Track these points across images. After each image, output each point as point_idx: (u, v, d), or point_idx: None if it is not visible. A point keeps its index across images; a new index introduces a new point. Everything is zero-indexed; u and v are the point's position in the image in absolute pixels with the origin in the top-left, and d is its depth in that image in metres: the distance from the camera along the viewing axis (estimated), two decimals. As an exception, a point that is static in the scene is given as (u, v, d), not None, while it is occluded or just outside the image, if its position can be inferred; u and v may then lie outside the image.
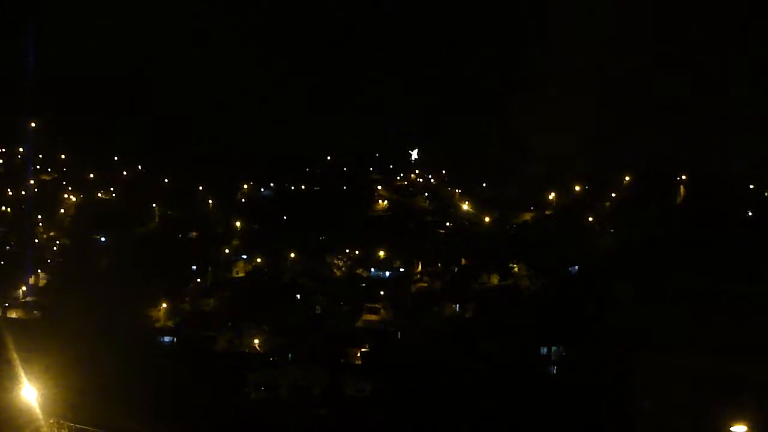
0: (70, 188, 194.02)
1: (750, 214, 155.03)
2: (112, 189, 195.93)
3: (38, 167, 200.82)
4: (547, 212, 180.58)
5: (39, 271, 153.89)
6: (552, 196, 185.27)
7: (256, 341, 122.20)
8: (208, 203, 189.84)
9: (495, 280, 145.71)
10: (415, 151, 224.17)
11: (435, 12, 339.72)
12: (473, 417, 72.75)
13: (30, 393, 45.69)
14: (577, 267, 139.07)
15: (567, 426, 67.86)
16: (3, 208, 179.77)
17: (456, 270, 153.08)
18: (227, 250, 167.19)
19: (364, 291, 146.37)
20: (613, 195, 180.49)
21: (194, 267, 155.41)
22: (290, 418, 79.85)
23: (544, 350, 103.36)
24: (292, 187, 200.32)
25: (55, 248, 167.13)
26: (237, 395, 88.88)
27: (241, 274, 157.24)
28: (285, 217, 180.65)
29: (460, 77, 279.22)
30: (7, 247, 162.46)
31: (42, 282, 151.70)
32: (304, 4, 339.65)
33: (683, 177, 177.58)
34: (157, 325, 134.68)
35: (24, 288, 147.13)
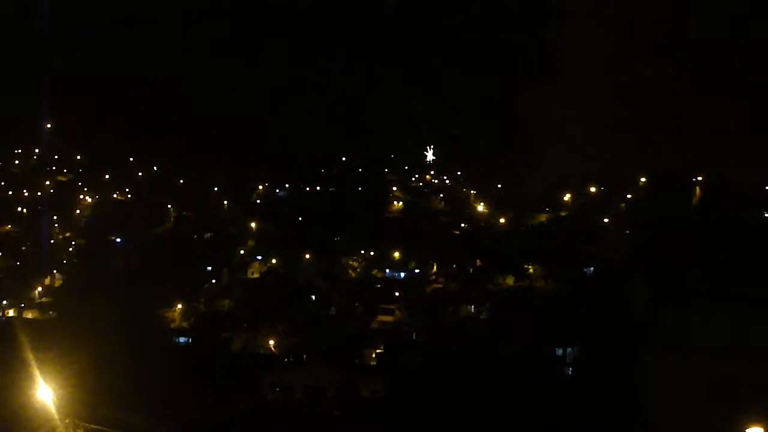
0: (85, 189, 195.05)
1: (766, 216, 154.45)
2: (127, 190, 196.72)
3: (54, 168, 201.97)
4: (562, 213, 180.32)
5: (55, 271, 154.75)
6: (567, 197, 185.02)
7: (271, 342, 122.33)
8: (223, 204, 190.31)
9: (510, 281, 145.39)
10: (430, 152, 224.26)
11: (450, 12, 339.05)
12: (488, 418, 72.60)
13: (45, 393, 45.77)
14: (592, 268, 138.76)
15: (582, 427, 67.65)
16: (19, 208, 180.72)
17: (471, 271, 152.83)
18: (242, 251, 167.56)
19: (379, 292, 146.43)
20: (629, 196, 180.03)
21: (209, 268, 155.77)
22: (305, 419, 79.77)
23: (559, 351, 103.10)
24: (308, 188, 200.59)
25: (70, 249, 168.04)
26: (252, 396, 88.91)
27: (256, 275, 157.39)
28: (300, 218, 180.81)
29: (474, 77, 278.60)
30: (23, 248, 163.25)
31: (58, 282, 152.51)
32: (318, 5, 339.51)
33: (699, 179, 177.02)
34: (173, 325, 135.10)
35: (40, 288, 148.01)
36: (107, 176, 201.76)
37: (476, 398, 77.63)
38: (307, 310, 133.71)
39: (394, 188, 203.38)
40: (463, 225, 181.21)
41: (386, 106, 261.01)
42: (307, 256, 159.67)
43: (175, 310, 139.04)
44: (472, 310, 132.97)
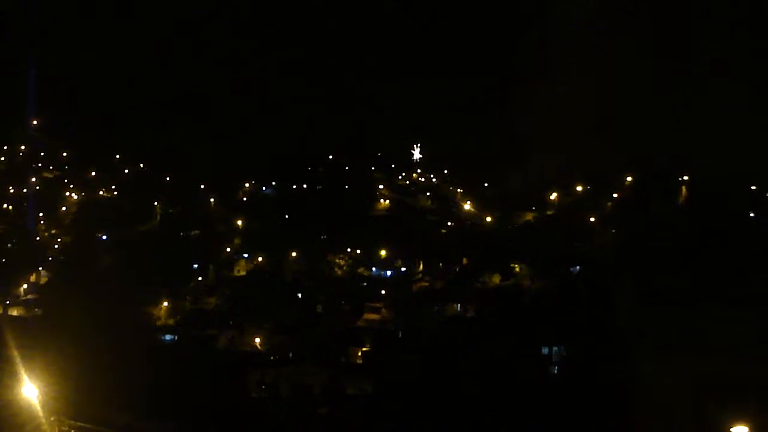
0: (71, 186, 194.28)
1: (752, 214, 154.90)
2: (113, 187, 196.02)
3: (40, 165, 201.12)
4: (548, 212, 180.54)
5: (40, 268, 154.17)
6: (554, 196, 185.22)
7: (257, 340, 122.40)
8: (210, 202, 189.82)
9: (496, 279, 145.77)
10: (417, 150, 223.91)
11: (438, 10, 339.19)
12: (474, 416, 72.66)
13: (31, 391, 45.64)
14: (578, 267, 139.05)
15: (568, 426, 67.77)
16: (5, 205, 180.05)
17: (457, 269, 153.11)
18: (229, 249, 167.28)
19: (366, 290, 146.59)
20: (615, 195, 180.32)
21: (196, 265, 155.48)
22: (291, 417, 79.75)
23: (545, 350, 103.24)
24: (294, 186, 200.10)
25: (56, 246, 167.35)
26: (238, 394, 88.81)
27: (243, 273, 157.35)
28: (286, 216, 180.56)
29: (461, 75, 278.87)
30: (9, 245, 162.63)
31: (43, 280, 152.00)
32: (306, 2, 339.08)
33: (685, 177, 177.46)
34: (159, 323, 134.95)
35: (25, 286, 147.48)
36: (93, 173, 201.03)
37: (462, 397, 77.76)
38: (294, 309, 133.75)
39: (381, 186, 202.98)
40: (449, 223, 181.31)
41: (373, 104, 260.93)
42: (294, 254, 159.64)
43: (161, 308, 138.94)
44: (459, 308, 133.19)
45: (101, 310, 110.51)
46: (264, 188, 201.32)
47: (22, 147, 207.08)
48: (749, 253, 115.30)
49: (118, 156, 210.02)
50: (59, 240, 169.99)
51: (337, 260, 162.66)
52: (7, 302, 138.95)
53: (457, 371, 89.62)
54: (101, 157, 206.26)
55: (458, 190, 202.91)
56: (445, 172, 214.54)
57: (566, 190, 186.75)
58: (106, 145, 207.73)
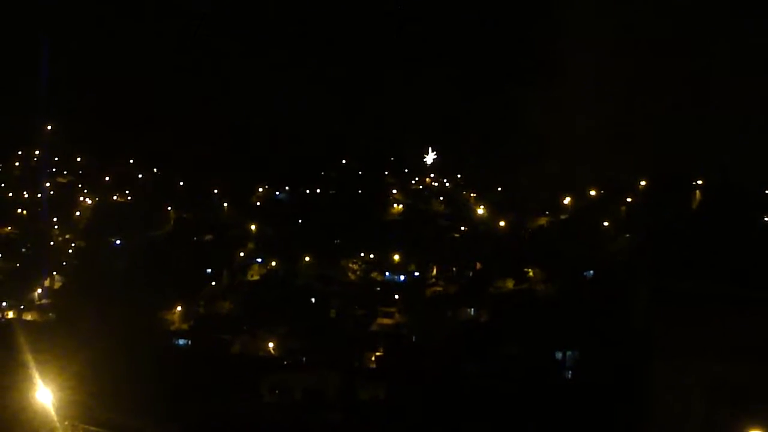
0: (85, 191, 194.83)
1: (766, 219, 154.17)
2: (127, 192, 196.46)
3: (54, 170, 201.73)
4: (562, 216, 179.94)
5: (54, 273, 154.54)
6: (567, 200, 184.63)
7: (271, 345, 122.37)
8: (223, 206, 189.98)
9: (510, 284, 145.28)
10: (430, 154, 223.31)
11: (449, 14, 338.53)
12: (487, 421, 72.58)
13: (45, 395, 45.75)
14: (592, 272, 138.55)
15: (582, 430, 67.66)
16: (19, 210, 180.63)
17: (471, 274, 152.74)
18: (242, 254, 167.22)
19: (379, 295, 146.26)
20: (629, 200, 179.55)
21: (209, 270, 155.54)
22: (304, 422, 79.75)
23: (558, 355, 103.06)
24: (307, 191, 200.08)
25: (70, 251, 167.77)
26: (251, 398, 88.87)
27: (256, 278, 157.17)
28: (300, 221, 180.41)
29: (474, 80, 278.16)
30: (23, 250, 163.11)
31: (57, 284, 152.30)
32: (319, 6, 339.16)
33: (699, 182, 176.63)
34: (172, 327, 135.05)
35: (39, 290, 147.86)
36: (107, 178, 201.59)
37: (475, 401, 77.69)
38: (307, 313, 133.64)
39: (394, 191, 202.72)
40: (463, 228, 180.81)
41: (386, 108, 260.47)
42: (307, 258, 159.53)
43: (174, 312, 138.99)
44: (472, 313, 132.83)
45: (115, 315, 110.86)
46: (277, 193, 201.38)
47: (37, 151, 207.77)
48: (764, 257, 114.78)
49: (132, 160, 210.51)
50: (73, 245, 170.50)
51: (351, 264, 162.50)
52: (22, 307, 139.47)
53: (470, 376, 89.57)
54: (115, 162, 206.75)
55: (471, 194, 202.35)
56: (458, 176, 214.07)
57: (580, 195, 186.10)
58: (120, 150, 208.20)
